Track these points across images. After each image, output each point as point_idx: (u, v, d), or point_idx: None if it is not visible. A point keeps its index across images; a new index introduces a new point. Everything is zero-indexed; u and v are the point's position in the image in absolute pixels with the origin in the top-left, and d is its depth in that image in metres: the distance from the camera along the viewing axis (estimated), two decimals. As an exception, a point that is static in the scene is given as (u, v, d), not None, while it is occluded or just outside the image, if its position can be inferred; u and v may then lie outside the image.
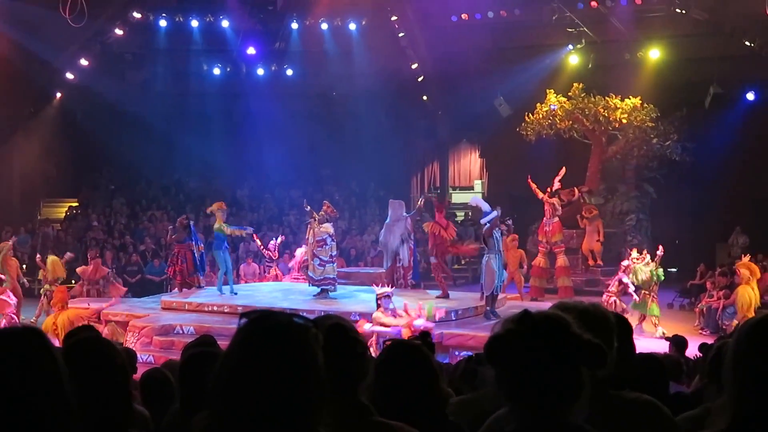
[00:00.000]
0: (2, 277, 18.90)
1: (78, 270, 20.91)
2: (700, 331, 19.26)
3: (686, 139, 26.14)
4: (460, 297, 19.57)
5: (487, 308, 17.62)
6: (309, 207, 19.84)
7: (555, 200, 23.01)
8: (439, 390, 3.76)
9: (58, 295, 17.18)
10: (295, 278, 22.62)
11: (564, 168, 23.42)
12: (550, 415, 2.49)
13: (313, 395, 2.22)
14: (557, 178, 23.04)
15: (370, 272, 22.70)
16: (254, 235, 23.24)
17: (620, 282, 19.01)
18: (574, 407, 2.50)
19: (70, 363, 3.00)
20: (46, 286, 19.70)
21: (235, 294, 19.77)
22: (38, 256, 21.20)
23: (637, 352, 5.86)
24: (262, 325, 2.25)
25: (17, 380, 2.15)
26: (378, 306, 15.44)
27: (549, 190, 22.90)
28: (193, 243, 20.70)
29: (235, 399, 2.17)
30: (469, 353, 9.58)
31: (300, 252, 22.68)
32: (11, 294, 18.41)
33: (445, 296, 19.23)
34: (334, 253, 19.46)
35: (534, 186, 22.72)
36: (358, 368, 3.12)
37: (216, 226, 20.43)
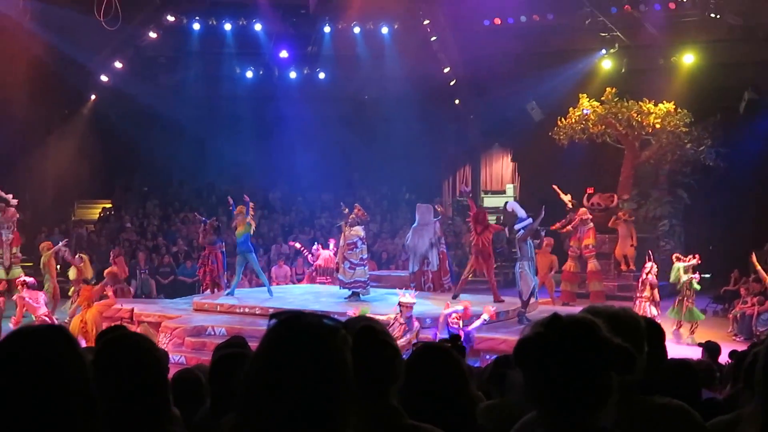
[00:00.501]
0: (33, 280, 18.97)
1: (106, 272, 21.04)
2: (734, 338, 19.10)
3: (720, 145, 25.90)
4: (491, 301, 19.51)
5: (519, 312, 17.60)
6: (347, 209, 19.83)
7: (582, 211, 23.07)
8: (468, 393, 3.76)
9: (85, 293, 17.26)
10: (314, 280, 22.82)
11: (593, 189, 23.67)
12: (577, 420, 2.47)
13: (342, 397, 2.22)
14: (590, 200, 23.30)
15: (402, 275, 22.67)
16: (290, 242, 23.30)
17: (650, 285, 18.93)
18: (602, 412, 2.49)
19: (108, 358, 3.04)
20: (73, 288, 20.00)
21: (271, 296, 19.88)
22: (76, 254, 21.26)
23: (670, 357, 5.85)
24: (292, 326, 2.25)
25: (42, 379, 2.15)
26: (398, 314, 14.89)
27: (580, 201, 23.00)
28: (223, 245, 20.86)
29: (263, 399, 2.18)
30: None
31: (325, 254, 22.79)
32: (44, 296, 18.49)
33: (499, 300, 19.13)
34: (365, 256, 19.44)
35: (560, 193, 22.76)
36: (388, 371, 3.11)
37: (240, 230, 20.32)
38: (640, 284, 19.27)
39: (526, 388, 2.54)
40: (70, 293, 19.79)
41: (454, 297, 18.67)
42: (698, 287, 19.22)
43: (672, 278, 19.37)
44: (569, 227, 23.40)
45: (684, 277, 19.05)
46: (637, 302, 18.85)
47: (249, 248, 20.28)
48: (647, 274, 18.96)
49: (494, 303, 18.18)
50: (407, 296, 15.14)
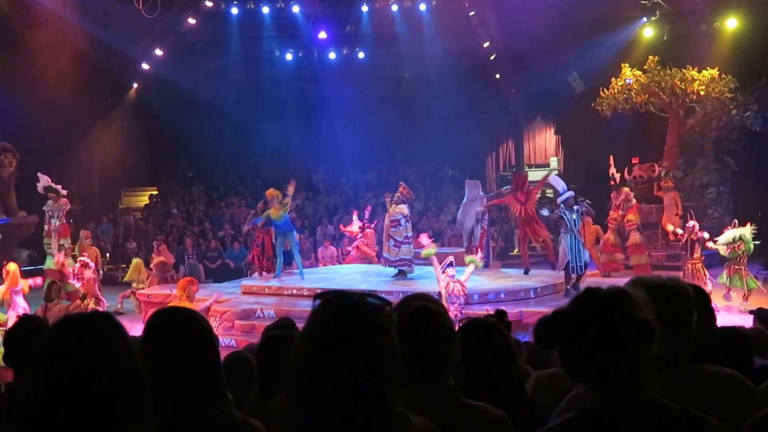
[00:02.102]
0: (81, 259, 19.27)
1: (153, 263, 21.27)
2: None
3: (766, 110, 25.57)
4: (539, 274, 19.47)
5: (567, 286, 17.56)
6: (390, 197, 19.81)
7: (625, 190, 22.83)
8: (516, 368, 3.76)
9: (182, 284, 17.12)
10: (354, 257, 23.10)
11: (638, 159, 23.49)
12: (619, 391, 2.47)
13: (388, 375, 2.22)
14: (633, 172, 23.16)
15: (448, 252, 22.63)
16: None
17: (699, 243, 18.81)
18: (642, 382, 2.48)
19: (158, 334, 3.06)
20: (135, 285, 20.45)
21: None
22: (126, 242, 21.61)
23: (721, 325, 5.81)
24: (336, 305, 2.26)
25: (90, 366, 2.17)
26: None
27: (622, 175, 22.82)
28: (270, 229, 20.88)
29: (311, 379, 2.19)
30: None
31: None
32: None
33: (526, 272, 19.42)
34: (410, 234, 19.33)
35: (611, 165, 22.61)
36: (444, 351, 3.11)
37: (278, 213, 20.24)
38: (688, 247, 19.14)
39: (560, 363, 2.55)
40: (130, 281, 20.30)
41: (526, 272, 19.48)
42: (751, 248, 19.00)
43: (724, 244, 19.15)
44: (616, 212, 23.08)
45: (725, 238, 18.97)
46: (689, 267, 18.72)
47: (290, 228, 20.26)
48: (693, 234, 18.83)
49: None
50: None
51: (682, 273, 18.59)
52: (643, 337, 2.46)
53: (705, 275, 18.71)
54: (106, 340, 2.24)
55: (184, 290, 14.70)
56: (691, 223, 19.11)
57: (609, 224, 22.97)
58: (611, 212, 22.99)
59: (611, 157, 22.99)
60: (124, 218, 29.26)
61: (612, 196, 22.93)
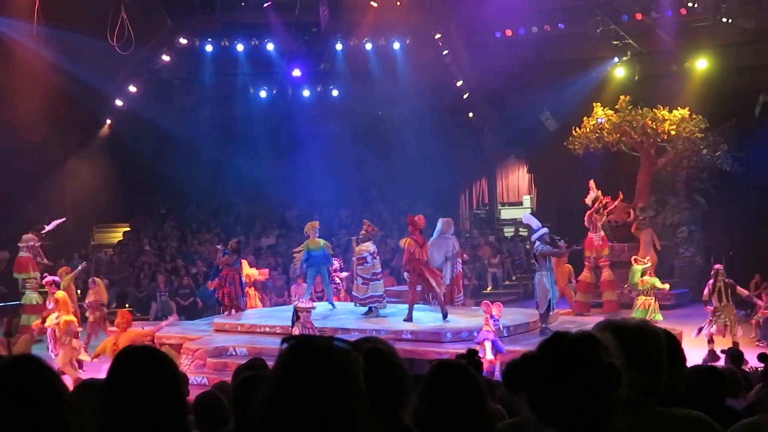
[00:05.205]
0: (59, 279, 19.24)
1: (86, 301, 20.95)
2: (757, 343, 18.98)
3: (736, 149, 25.80)
4: (512, 313, 19.45)
5: (542, 325, 17.59)
6: (355, 240, 19.89)
7: (597, 217, 22.94)
8: (486, 410, 3.75)
9: (124, 316, 17.11)
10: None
11: (621, 194, 23.58)
12: None
13: (356, 419, 2.22)
14: (613, 202, 23.21)
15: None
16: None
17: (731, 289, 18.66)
18: (610, 425, 2.49)
19: (125, 370, 3.03)
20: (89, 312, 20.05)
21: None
22: (92, 279, 21.29)
23: (698, 365, 5.83)
24: (303, 349, 2.26)
25: (13, 411, 2.13)
26: (297, 319, 15.39)
27: (600, 203, 22.87)
28: (240, 267, 20.93)
29: (278, 424, 2.18)
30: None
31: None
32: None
33: (409, 320, 17.98)
34: (378, 270, 19.19)
35: (593, 194, 22.77)
36: (398, 392, 3.10)
37: (313, 246, 20.40)
38: (716, 293, 18.38)
39: (529, 406, 2.56)
40: (88, 315, 19.87)
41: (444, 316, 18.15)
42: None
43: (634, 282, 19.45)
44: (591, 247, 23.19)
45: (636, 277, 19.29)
46: (724, 316, 18.19)
47: (327, 260, 20.70)
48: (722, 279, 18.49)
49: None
50: (303, 302, 16.53)
51: (716, 325, 18.16)
52: (610, 382, 2.47)
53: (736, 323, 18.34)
54: (32, 385, 2.18)
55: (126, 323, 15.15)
56: (718, 266, 19.00)
57: (585, 263, 23.09)
58: (586, 250, 23.03)
59: (592, 181, 23.23)
60: (96, 254, 29.08)
61: (587, 221, 22.99)
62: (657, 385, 3.05)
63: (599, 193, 23.24)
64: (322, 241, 20.57)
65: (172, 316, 19.98)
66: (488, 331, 14.96)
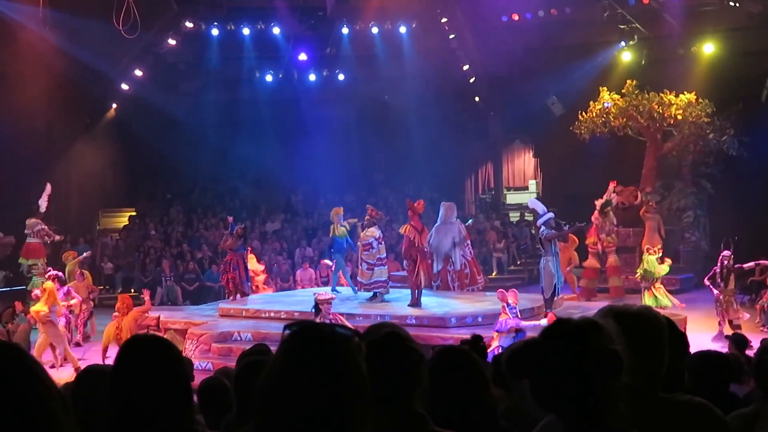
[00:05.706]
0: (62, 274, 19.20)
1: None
2: (761, 329, 18.93)
3: (743, 134, 25.73)
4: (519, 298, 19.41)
5: (546, 310, 17.56)
6: (358, 221, 19.88)
7: (604, 218, 22.98)
8: (489, 395, 3.75)
9: (125, 301, 17.19)
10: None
11: (615, 182, 23.65)
12: (588, 422, 2.48)
13: (357, 405, 2.21)
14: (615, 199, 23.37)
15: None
16: None
17: (735, 273, 18.90)
18: (612, 412, 2.49)
19: (130, 360, 3.04)
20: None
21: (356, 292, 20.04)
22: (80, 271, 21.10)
23: (701, 350, 5.82)
24: (304, 336, 2.25)
25: None
26: (318, 312, 14.81)
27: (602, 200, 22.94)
28: (245, 252, 20.95)
29: (279, 409, 2.18)
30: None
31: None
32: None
33: (415, 304, 18.03)
34: (383, 255, 19.14)
35: (606, 198, 22.87)
36: (412, 376, 3.09)
37: (339, 232, 20.43)
38: (724, 277, 18.78)
39: (531, 392, 2.56)
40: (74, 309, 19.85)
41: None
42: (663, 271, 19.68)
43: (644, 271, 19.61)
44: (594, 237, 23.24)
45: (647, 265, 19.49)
46: (722, 299, 18.58)
47: (339, 249, 20.62)
48: (728, 263, 18.74)
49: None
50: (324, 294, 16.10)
51: (716, 306, 18.67)
52: (612, 368, 2.47)
53: (742, 317, 18.57)
54: (9, 372, 2.15)
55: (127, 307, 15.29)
56: (727, 252, 19.05)
57: (589, 249, 23.06)
58: (590, 237, 23.03)
59: (614, 182, 23.35)
60: (101, 239, 29.11)
61: (594, 219, 22.95)
62: (659, 371, 3.04)
63: (614, 198, 23.30)
64: (345, 228, 20.44)
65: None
66: (507, 319, 14.80)
